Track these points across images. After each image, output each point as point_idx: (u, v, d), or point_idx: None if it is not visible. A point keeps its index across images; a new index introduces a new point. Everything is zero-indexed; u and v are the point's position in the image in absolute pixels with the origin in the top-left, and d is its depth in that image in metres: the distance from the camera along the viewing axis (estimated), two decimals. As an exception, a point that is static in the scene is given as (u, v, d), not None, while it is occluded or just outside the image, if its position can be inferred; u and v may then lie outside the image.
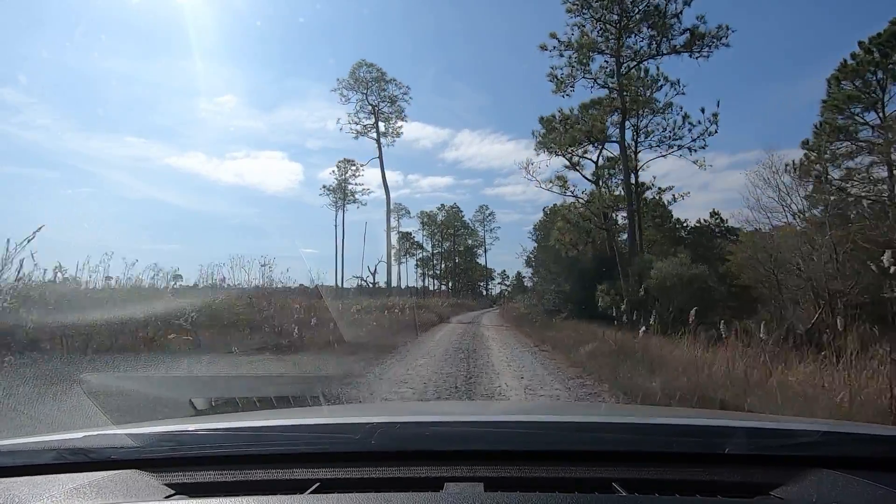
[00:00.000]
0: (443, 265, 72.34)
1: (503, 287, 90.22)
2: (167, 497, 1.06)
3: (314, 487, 1.06)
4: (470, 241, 74.09)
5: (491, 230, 75.72)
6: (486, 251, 77.24)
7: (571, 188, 24.66)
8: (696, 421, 1.56)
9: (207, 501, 1.03)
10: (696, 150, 22.45)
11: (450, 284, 72.93)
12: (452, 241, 70.41)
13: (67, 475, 1.15)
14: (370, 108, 40.71)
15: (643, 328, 9.73)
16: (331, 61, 77.37)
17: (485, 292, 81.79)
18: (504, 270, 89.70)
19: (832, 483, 1.05)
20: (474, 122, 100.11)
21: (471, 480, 1.08)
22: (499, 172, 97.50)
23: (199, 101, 64.98)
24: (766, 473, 1.11)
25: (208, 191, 65.41)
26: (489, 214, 75.17)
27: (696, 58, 21.04)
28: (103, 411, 3.42)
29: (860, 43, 18.09)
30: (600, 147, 24.16)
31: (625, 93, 21.77)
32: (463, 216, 69.92)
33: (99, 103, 51.84)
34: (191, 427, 1.37)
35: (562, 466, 1.14)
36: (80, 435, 1.26)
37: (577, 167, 24.38)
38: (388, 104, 40.86)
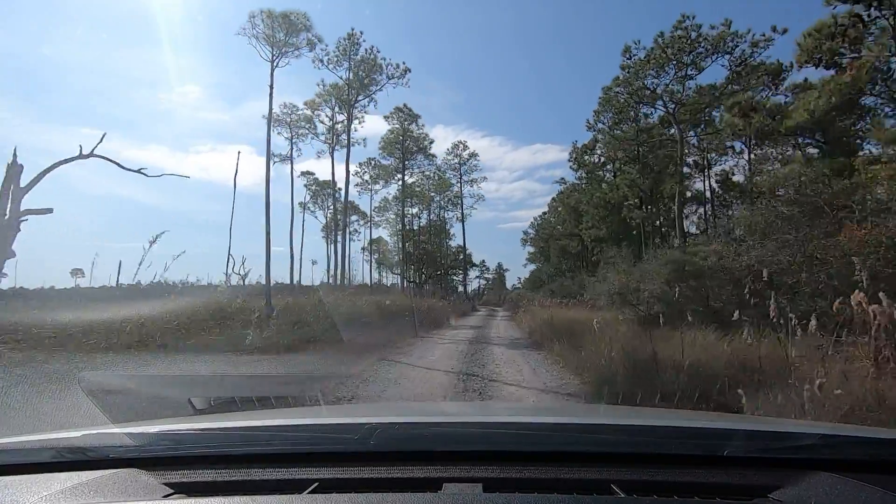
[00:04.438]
0: (400, 244, 41.66)
1: (483, 281, 73.53)
2: (165, 496, 1.06)
3: (313, 487, 1.06)
4: (437, 198, 45.61)
5: (472, 182, 45.31)
6: (463, 220, 45.81)
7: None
8: (694, 423, 1.56)
9: (205, 501, 1.03)
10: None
11: (409, 274, 41.34)
12: (401, 172, 38.69)
13: (66, 474, 1.15)
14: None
15: None
16: (299, 54, 75.60)
17: (462, 287, 52.58)
18: (483, 260, 68.18)
19: (830, 486, 1.05)
20: (447, 118, 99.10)
21: (469, 481, 1.08)
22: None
23: (161, 91, 61.64)
24: (764, 476, 1.11)
25: (172, 186, 62.79)
26: (470, 157, 44.93)
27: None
28: (102, 410, 3.41)
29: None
30: None
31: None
32: (424, 133, 39.21)
33: (55, 94, 47.83)
34: (189, 426, 1.38)
35: (561, 467, 1.14)
36: (78, 434, 1.26)
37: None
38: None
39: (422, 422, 1.50)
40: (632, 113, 30.47)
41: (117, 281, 15.43)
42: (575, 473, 1.12)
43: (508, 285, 77.63)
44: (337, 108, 32.94)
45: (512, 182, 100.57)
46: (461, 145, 46.13)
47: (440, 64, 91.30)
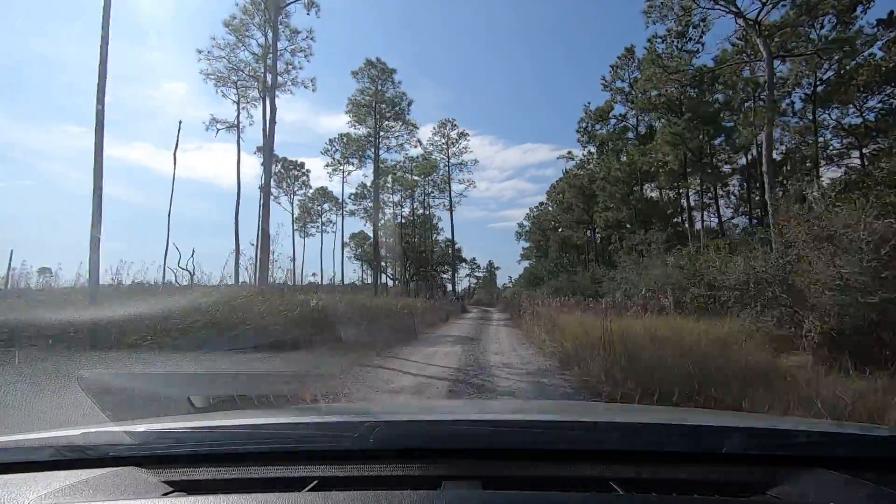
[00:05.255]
0: (375, 235, 33.27)
1: (473, 279, 71.01)
2: (165, 494, 1.06)
3: (312, 485, 1.06)
4: (421, 181, 38.58)
5: (461, 165, 38.47)
6: (451, 208, 38.90)
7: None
8: (693, 420, 1.57)
9: (205, 499, 1.03)
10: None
11: (394, 271, 38.64)
12: (374, 145, 31.02)
13: (66, 472, 1.16)
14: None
15: None
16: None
17: (451, 285, 45.94)
18: (474, 258, 67.50)
19: (829, 483, 1.06)
20: (438, 116, 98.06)
21: (469, 479, 1.08)
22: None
23: (147, 88, 59.88)
24: (763, 473, 1.11)
25: (158, 184, 59.50)
26: (460, 136, 38.48)
27: None
28: (101, 408, 3.41)
29: None
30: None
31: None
32: (401, 92, 31.07)
33: (38, 91, 45.82)
34: (189, 424, 1.38)
35: (560, 465, 1.14)
36: (78, 432, 1.27)
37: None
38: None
39: (421, 420, 1.50)
40: (674, 48, 23.54)
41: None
42: (574, 471, 1.13)
43: (499, 284, 75.69)
44: (269, 27, 20.19)
45: (502, 181, 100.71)
46: (449, 124, 38.96)
47: (430, 62, 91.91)
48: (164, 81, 59.99)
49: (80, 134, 54.37)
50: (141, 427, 1.32)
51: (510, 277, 74.76)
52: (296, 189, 40.60)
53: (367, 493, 1.00)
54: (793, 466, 1.13)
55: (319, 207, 43.76)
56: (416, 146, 34.75)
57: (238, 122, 26.49)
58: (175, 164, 23.12)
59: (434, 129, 39.51)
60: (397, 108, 31.64)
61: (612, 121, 33.88)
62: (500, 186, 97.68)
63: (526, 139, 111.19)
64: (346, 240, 45.68)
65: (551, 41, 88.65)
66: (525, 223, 58.60)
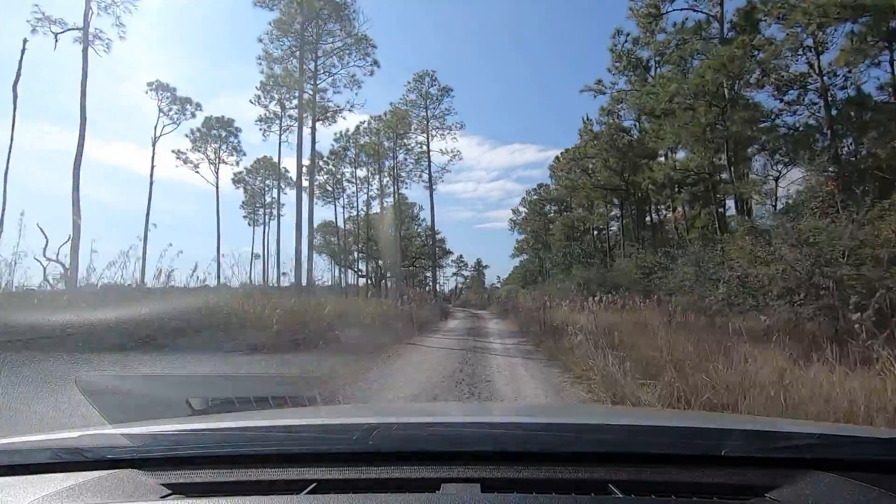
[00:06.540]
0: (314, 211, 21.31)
1: (460, 278, 65.46)
2: (163, 497, 1.05)
3: (311, 488, 1.06)
4: (390, 144, 28.94)
5: (443, 131, 29.63)
6: (431, 186, 30.38)
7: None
8: (692, 423, 1.57)
9: (203, 501, 1.02)
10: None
11: (354, 265, 30.22)
12: (307, 54, 19.37)
13: (63, 475, 1.15)
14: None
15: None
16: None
17: (433, 283, 38.24)
18: (461, 255, 61.44)
19: (828, 485, 1.05)
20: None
21: (467, 481, 1.08)
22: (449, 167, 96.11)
23: (126, 85, 59.63)
24: (762, 475, 1.11)
25: (138, 185, 56.79)
26: (442, 93, 29.42)
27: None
28: (99, 411, 3.39)
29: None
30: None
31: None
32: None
33: (8, 87, 46.45)
34: (187, 427, 1.38)
35: (558, 468, 1.14)
36: (75, 434, 1.26)
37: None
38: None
39: (420, 422, 1.50)
40: None
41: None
42: (573, 473, 1.12)
43: (486, 284, 71.20)
44: None
45: (490, 182, 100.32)
46: (427, 77, 29.22)
47: (416, 60, 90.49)
48: (145, 79, 53.28)
49: (56, 132, 53.16)
50: (139, 429, 1.31)
51: (499, 277, 71.31)
52: (223, 156, 29.16)
53: (366, 496, 1.00)
54: (792, 469, 1.13)
55: (262, 184, 33.36)
56: (370, 73, 22.56)
57: (86, 23, 16.19)
58: (15, 97, 16.29)
59: (409, 84, 29.37)
60: (339, 3, 19.73)
61: (661, 36, 21.52)
62: (488, 187, 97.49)
63: (513, 139, 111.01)
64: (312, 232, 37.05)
65: (542, 39, 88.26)
66: (522, 209, 48.62)
